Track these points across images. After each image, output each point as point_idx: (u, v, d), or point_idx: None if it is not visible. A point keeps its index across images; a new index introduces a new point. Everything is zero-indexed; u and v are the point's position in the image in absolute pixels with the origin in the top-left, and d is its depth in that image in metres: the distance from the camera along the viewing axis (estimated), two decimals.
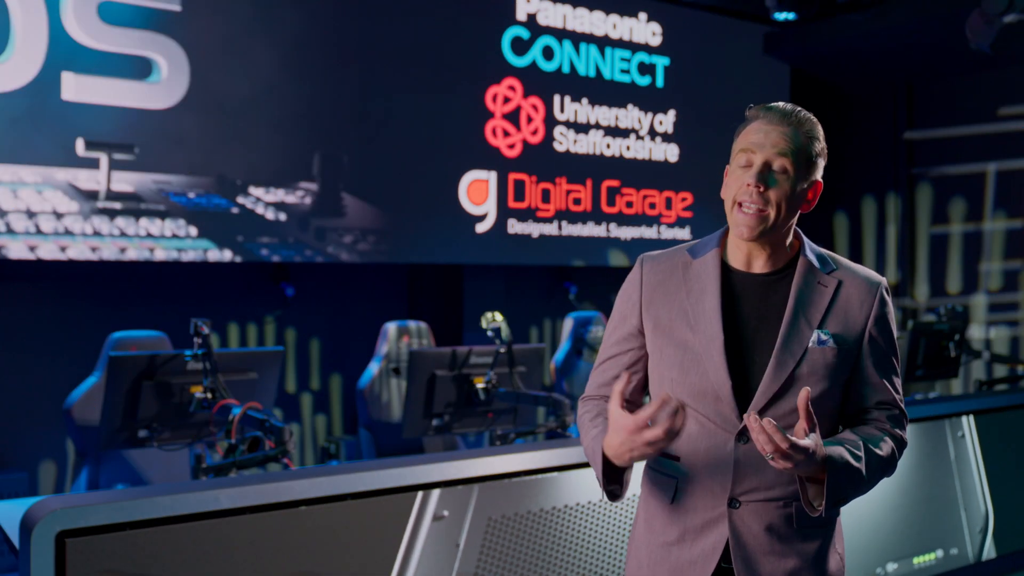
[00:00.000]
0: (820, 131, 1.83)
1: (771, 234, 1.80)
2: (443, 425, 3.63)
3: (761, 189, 1.76)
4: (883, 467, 1.79)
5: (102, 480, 3.60)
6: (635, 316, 1.91)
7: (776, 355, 1.78)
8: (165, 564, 2.34)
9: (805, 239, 1.89)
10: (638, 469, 1.91)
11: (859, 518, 3.89)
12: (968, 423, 4.37)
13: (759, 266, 1.85)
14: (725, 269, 1.86)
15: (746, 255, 1.85)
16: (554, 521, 2.98)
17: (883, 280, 1.88)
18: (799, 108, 1.83)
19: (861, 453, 1.74)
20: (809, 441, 1.64)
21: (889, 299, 1.88)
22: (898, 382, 1.88)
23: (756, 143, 1.78)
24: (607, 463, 1.78)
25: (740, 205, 1.78)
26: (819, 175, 1.84)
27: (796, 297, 1.81)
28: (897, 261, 8.22)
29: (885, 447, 1.79)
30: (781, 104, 1.83)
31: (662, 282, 1.89)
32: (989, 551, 4.44)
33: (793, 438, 1.62)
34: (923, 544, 4.17)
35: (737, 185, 1.79)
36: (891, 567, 4.08)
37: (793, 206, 1.80)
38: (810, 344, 1.79)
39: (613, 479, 1.81)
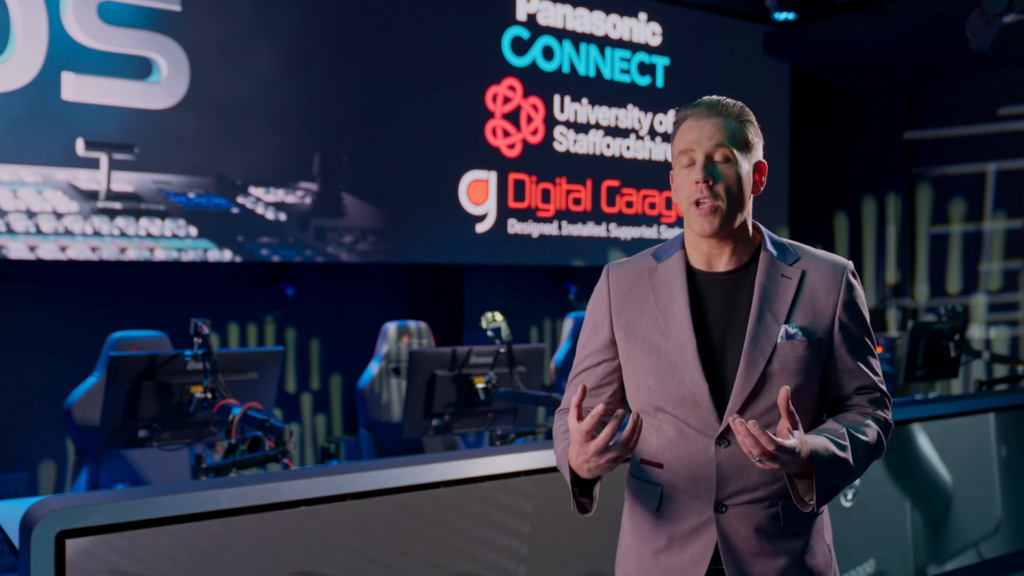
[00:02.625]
0: (750, 114, 1.85)
1: (729, 224, 1.80)
2: (443, 425, 3.63)
3: (710, 183, 1.77)
4: (870, 452, 1.78)
5: (102, 480, 3.60)
6: (606, 327, 1.91)
7: (745, 355, 1.77)
8: (165, 564, 2.34)
9: (765, 232, 1.89)
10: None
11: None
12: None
13: (721, 265, 1.84)
14: (689, 271, 1.86)
15: (707, 255, 1.85)
16: (554, 520, 2.98)
17: (848, 264, 1.87)
18: (724, 98, 1.84)
19: (846, 442, 1.73)
20: (794, 441, 1.63)
21: (857, 282, 1.86)
22: (876, 364, 1.87)
23: (693, 140, 1.80)
24: (575, 476, 1.77)
25: (696, 204, 1.79)
26: (760, 155, 1.86)
27: (760, 294, 1.80)
28: (897, 261, 8.22)
29: (870, 432, 1.79)
30: (706, 98, 1.84)
31: (630, 291, 1.89)
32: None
33: (778, 439, 1.60)
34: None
35: (686, 186, 1.80)
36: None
37: (743, 191, 1.81)
38: (779, 340, 1.78)
39: (584, 492, 1.81)
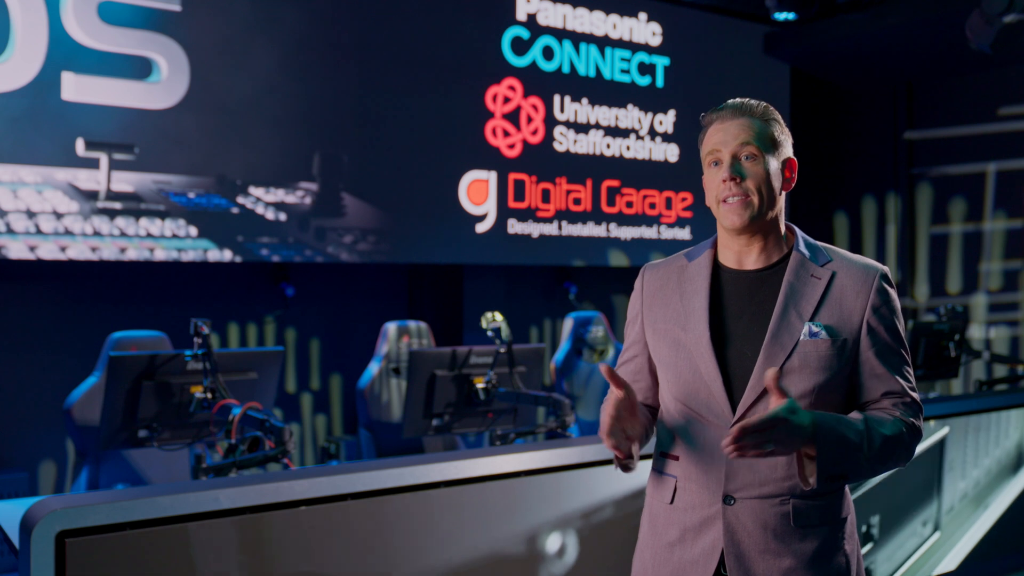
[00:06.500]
0: (775, 113, 1.88)
1: (760, 219, 1.82)
2: (443, 425, 3.63)
3: (737, 180, 1.81)
4: (889, 446, 1.73)
5: (102, 480, 3.60)
6: (638, 323, 1.98)
7: (765, 348, 1.78)
8: (165, 564, 2.34)
9: (800, 233, 1.90)
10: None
11: None
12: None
13: (751, 263, 1.87)
14: (718, 269, 1.90)
15: (737, 254, 1.87)
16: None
17: (882, 268, 1.85)
18: (749, 99, 1.88)
19: (861, 428, 1.71)
20: (761, 415, 1.61)
21: (890, 287, 1.85)
22: (908, 372, 1.83)
23: (719, 142, 1.84)
24: None
25: (724, 201, 1.82)
26: (790, 152, 1.88)
27: (787, 290, 1.82)
28: (897, 261, 8.22)
29: (892, 428, 1.74)
30: (731, 101, 1.88)
31: (660, 288, 1.95)
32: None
33: (747, 421, 1.60)
34: None
35: (715, 184, 1.84)
36: None
37: (773, 186, 1.83)
38: (801, 337, 1.78)
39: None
